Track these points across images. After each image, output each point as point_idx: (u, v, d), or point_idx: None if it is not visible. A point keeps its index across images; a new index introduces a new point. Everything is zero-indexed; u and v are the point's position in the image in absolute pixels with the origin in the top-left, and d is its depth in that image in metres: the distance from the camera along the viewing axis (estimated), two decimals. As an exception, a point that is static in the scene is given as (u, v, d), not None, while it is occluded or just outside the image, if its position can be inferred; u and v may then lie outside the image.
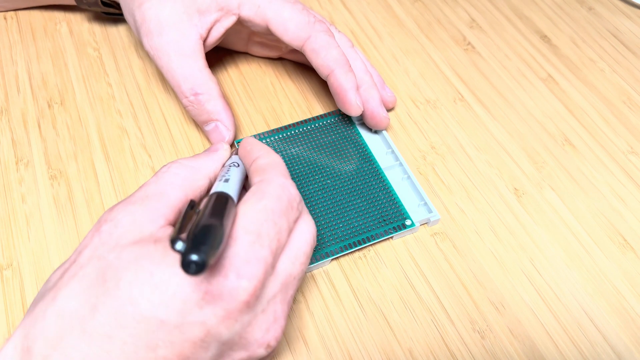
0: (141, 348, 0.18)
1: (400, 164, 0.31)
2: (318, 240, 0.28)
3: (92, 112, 0.34)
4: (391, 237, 0.29)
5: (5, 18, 0.39)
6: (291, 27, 0.29)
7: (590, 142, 0.33)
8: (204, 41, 0.30)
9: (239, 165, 0.25)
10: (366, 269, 0.28)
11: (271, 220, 0.20)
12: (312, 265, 0.27)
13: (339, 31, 0.33)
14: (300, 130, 0.32)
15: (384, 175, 0.30)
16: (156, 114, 0.34)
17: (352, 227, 0.28)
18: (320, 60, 0.29)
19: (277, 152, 0.31)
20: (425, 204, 0.29)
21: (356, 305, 0.27)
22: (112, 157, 0.32)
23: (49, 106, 0.34)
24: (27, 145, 0.32)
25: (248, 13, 0.29)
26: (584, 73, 0.37)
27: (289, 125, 0.32)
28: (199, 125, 0.31)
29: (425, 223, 0.29)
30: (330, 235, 0.28)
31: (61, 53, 0.37)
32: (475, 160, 0.32)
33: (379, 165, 0.31)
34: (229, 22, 0.30)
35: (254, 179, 0.23)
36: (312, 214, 0.28)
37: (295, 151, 0.31)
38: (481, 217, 0.30)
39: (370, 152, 0.31)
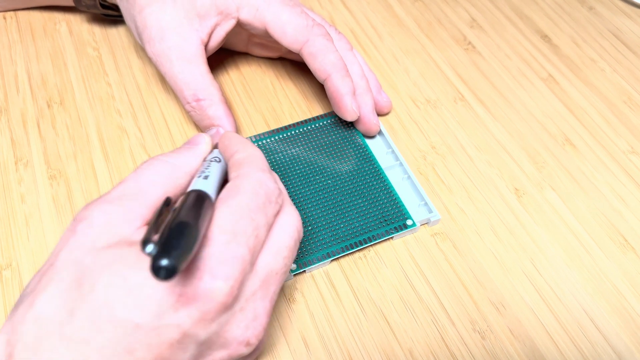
0: (119, 352, 0.18)
1: (401, 164, 0.31)
2: (318, 240, 0.28)
3: (92, 112, 0.34)
4: (391, 238, 0.29)
5: (4, 18, 0.39)
6: (289, 31, 0.29)
7: (590, 142, 0.33)
8: (206, 45, 0.30)
9: (220, 161, 0.24)
10: (366, 269, 0.28)
11: (247, 217, 0.20)
12: (312, 266, 0.27)
13: (339, 33, 0.32)
14: (300, 130, 0.32)
15: (385, 175, 0.30)
16: (156, 114, 0.34)
17: (353, 228, 0.28)
18: (318, 64, 0.29)
19: (277, 153, 0.31)
20: (426, 204, 0.29)
21: (356, 305, 0.27)
22: (111, 157, 0.32)
23: (49, 106, 0.34)
24: (27, 145, 0.32)
25: (247, 16, 0.29)
26: (585, 73, 0.37)
27: (289, 126, 0.32)
28: (201, 129, 0.31)
29: (426, 223, 0.29)
30: (330, 236, 0.28)
31: (61, 53, 0.37)
32: (475, 160, 0.32)
33: (379, 165, 0.31)
34: (228, 25, 0.30)
35: (231, 174, 0.23)
36: (312, 215, 0.28)
37: (295, 151, 0.31)
38: (481, 217, 0.30)
39: (371, 152, 0.31)
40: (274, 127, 0.33)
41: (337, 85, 0.29)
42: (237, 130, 0.33)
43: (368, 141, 0.32)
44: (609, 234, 0.29)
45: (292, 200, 0.29)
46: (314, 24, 0.29)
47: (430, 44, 0.38)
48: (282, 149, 0.31)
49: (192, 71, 0.29)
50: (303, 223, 0.28)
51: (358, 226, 0.28)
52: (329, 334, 0.26)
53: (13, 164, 0.31)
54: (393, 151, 0.31)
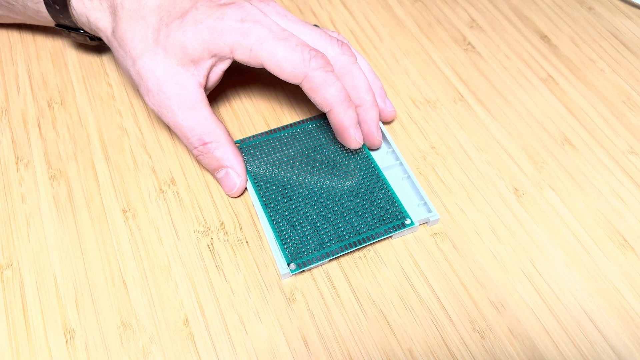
0: None
1: (401, 164, 0.31)
2: (317, 240, 0.28)
3: (92, 112, 0.34)
4: (390, 237, 0.29)
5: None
6: (287, 68, 0.28)
7: (590, 142, 0.33)
8: (205, 86, 0.30)
9: None
10: (366, 269, 0.28)
11: None
12: (311, 266, 0.27)
13: (341, 45, 0.30)
14: (299, 130, 0.32)
15: (382, 175, 0.30)
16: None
17: (352, 227, 0.28)
18: (319, 98, 0.28)
19: (276, 152, 0.31)
20: (425, 203, 0.29)
21: (356, 305, 0.27)
22: (112, 157, 0.32)
23: (49, 106, 0.34)
24: (27, 145, 0.32)
25: (241, 57, 0.28)
26: (584, 73, 0.37)
27: (288, 125, 0.33)
28: (209, 172, 0.31)
29: (425, 223, 0.29)
30: (329, 235, 0.28)
31: (61, 53, 0.37)
32: (475, 160, 0.32)
33: (377, 165, 0.31)
34: (224, 65, 0.30)
35: None
36: (311, 214, 0.29)
37: (293, 151, 0.31)
38: (481, 217, 0.30)
39: (369, 152, 0.31)
40: (274, 127, 0.33)
41: (340, 118, 0.29)
42: (238, 128, 0.33)
43: None
44: (609, 234, 0.29)
45: (292, 199, 0.29)
46: (310, 57, 0.28)
47: (430, 45, 0.38)
48: (281, 149, 0.31)
49: (195, 117, 0.29)
50: (302, 222, 0.28)
51: (356, 225, 0.28)
52: (329, 333, 0.26)
53: (14, 164, 0.31)
54: (393, 151, 0.31)
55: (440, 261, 0.28)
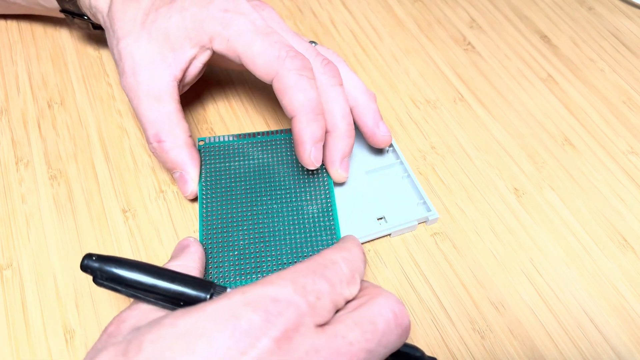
0: None
1: (401, 162, 0.31)
2: (242, 266, 0.27)
3: (92, 112, 0.34)
4: (389, 235, 0.29)
5: (5, 18, 0.39)
6: (260, 63, 0.26)
7: (590, 142, 0.33)
8: (181, 80, 0.29)
9: None
10: (366, 269, 0.28)
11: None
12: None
13: (326, 64, 0.28)
14: (268, 140, 0.31)
15: (333, 200, 0.29)
16: (156, 114, 0.34)
17: (283, 253, 0.27)
18: (285, 102, 0.26)
19: (235, 161, 0.30)
20: (424, 202, 0.29)
21: (356, 305, 0.27)
22: (112, 157, 0.32)
23: (49, 106, 0.34)
24: (27, 146, 0.32)
25: (219, 47, 0.27)
26: (584, 73, 0.37)
27: (260, 133, 0.31)
28: (166, 171, 0.30)
29: (424, 222, 0.29)
30: (256, 263, 0.27)
31: (61, 53, 0.37)
32: (475, 160, 0.32)
33: (332, 188, 0.29)
34: (204, 57, 0.29)
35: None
36: (245, 240, 0.27)
37: (252, 163, 0.30)
38: (481, 217, 0.30)
39: (330, 182, 0.29)
40: (274, 127, 0.33)
41: (300, 129, 0.26)
42: (238, 128, 0.33)
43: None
44: (609, 233, 0.29)
45: (231, 215, 0.28)
46: (287, 56, 0.26)
47: (429, 44, 0.38)
48: (241, 157, 0.30)
49: (158, 110, 0.28)
50: (232, 245, 0.27)
51: (289, 250, 0.27)
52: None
53: (14, 164, 0.31)
54: (394, 150, 0.31)
55: (440, 261, 0.28)
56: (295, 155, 0.29)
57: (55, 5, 0.33)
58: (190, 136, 0.29)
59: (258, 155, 0.30)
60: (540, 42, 0.39)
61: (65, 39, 0.38)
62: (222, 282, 0.26)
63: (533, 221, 0.30)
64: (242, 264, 0.27)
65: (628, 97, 0.35)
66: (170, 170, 0.29)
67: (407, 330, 0.20)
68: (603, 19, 0.40)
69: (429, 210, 0.29)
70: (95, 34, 0.37)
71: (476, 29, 0.39)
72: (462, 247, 0.29)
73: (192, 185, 0.29)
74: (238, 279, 0.26)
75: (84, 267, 0.20)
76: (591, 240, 0.29)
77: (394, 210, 0.29)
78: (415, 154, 0.32)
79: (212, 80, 0.35)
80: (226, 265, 0.26)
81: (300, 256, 0.27)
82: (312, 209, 0.28)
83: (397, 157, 0.31)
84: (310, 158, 0.27)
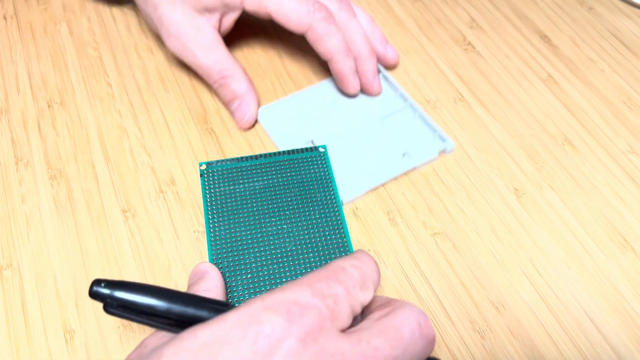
0: None
1: (410, 105, 0.34)
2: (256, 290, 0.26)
3: (92, 112, 0.34)
4: (415, 168, 0.30)
5: (5, 18, 0.39)
6: (293, 18, 0.31)
7: (590, 142, 0.33)
8: (219, 30, 0.33)
9: None
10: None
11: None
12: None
13: (340, 1, 0.33)
14: (269, 162, 0.31)
15: (345, 226, 0.29)
16: (156, 114, 0.34)
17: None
18: (321, 48, 0.32)
19: (242, 183, 0.30)
20: (439, 135, 0.32)
21: (356, 305, 0.27)
22: (112, 157, 0.32)
23: (49, 106, 0.34)
24: (27, 145, 0.32)
25: (251, 7, 0.32)
26: (584, 73, 0.37)
27: (260, 156, 0.31)
28: (225, 105, 0.33)
29: (443, 152, 0.32)
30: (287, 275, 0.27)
31: (61, 53, 0.37)
32: (475, 160, 0.32)
33: (342, 214, 0.29)
34: (235, 14, 0.33)
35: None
36: (255, 262, 0.27)
37: (258, 185, 0.30)
38: (481, 217, 0.30)
39: (339, 199, 0.29)
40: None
41: (340, 66, 0.32)
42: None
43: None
44: (609, 233, 0.29)
45: (240, 238, 0.28)
46: (315, 9, 0.31)
47: (430, 44, 0.38)
48: (245, 179, 0.30)
49: (214, 55, 0.32)
50: (243, 268, 0.27)
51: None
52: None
53: (14, 164, 0.31)
54: (400, 94, 0.34)
55: (440, 261, 0.28)
56: (298, 175, 0.30)
57: None
58: (245, 72, 0.33)
59: (262, 177, 0.30)
60: (540, 42, 0.39)
61: (65, 39, 0.38)
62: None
63: (533, 221, 0.30)
64: (255, 287, 0.26)
65: (628, 97, 0.35)
66: (230, 101, 0.33)
67: (432, 342, 0.20)
68: (603, 19, 0.40)
69: (444, 140, 0.32)
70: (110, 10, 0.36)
71: (476, 29, 0.39)
72: (462, 247, 0.29)
73: (249, 111, 0.32)
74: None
75: (93, 295, 0.19)
76: (591, 240, 0.29)
77: (415, 147, 0.32)
78: (415, 154, 0.32)
79: (212, 80, 0.36)
80: (240, 289, 0.26)
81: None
82: (323, 227, 0.28)
83: (405, 100, 0.34)
84: (354, 86, 0.33)
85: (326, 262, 0.27)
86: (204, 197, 0.29)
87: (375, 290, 0.20)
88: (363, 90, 0.34)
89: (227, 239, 0.28)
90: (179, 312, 0.19)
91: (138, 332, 0.26)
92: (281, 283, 0.26)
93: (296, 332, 0.17)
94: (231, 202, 0.29)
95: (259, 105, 0.33)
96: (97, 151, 0.32)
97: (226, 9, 0.32)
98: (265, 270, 0.27)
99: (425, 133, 0.33)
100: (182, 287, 0.27)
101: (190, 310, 0.19)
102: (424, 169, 0.32)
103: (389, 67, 0.36)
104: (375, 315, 0.19)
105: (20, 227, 0.29)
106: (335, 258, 0.26)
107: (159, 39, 0.38)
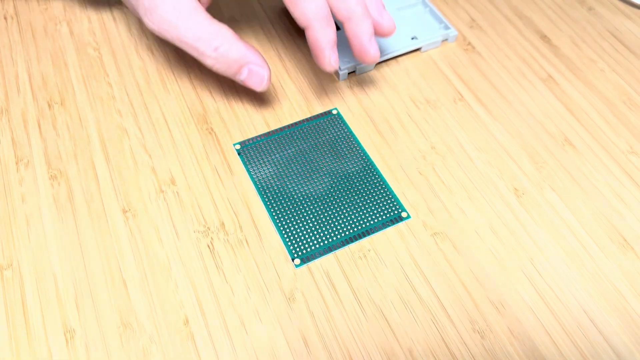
0: None
1: (422, 1, 0.39)
2: (319, 236, 0.29)
3: (92, 112, 0.34)
4: (388, 232, 0.29)
5: (5, 18, 0.39)
6: None
7: (590, 142, 0.33)
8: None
9: None
10: (366, 269, 0.28)
11: None
12: (315, 260, 0.28)
13: None
14: (298, 130, 0.33)
15: (379, 172, 0.31)
16: (156, 114, 0.34)
17: (351, 222, 0.29)
18: (298, 12, 0.28)
19: (276, 153, 0.32)
20: (445, 25, 0.37)
21: (356, 305, 0.27)
22: (112, 157, 0.32)
23: (49, 106, 0.34)
24: (27, 145, 0.32)
25: None
26: (584, 73, 0.37)
27: (288, 126, 0.33)
28: (232, 78, 0.30)
29: (446, 40, 0.37)
30: (331, 231, 0.29)
31: (61, 53, 0.37)
32: (475, 160, 0.32)
33: (373, 163, 0.32)
34: None
35: None
36: (313, 211, 0.29)
37: (293, 151, 0.32)
38: (481, 217, 0.30)
39: (364, 149, 0.32)
40: (274, 127, 0.33)
41: (317, 37, 0.28)
42: (239, 128, 0.33)
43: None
44: (609, 234, 0.29)
45: (293, 197, 0.30)
46: None
47: (430, 45, 0.38)
48: (280, 149, 0.32)
49: (198, 25, 0.28)
50: (304, 219, 0.29)
51: (356, 220, 0.29)
52: (329, 334, 0.26)
53: (14, 164, 0.31)
54: None
55: (440, 261, 0.28)
56: (322, 137, 0.32)
57: None
58: (235, 33, 0.30)
59: (291, 145, 0.32)
60: (540, 42, 0.39)
61: (65, 39, 0.38)
62: (306, 251, 0.28)
63: (533, 221, 0.30)
64: (318, 232, 0.29)
65: (628, 97, 0.35)
66: (236, 73, 0.29)
67: None
68: (603, 19, 0.40)
69: (448, 28, 0.37)
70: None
71: (476, 29, 0.39)
72: (462, 247, 0.29)
73: (264, 71, 0.29)
74: (320, 245, 0.28)
75: None
76: (591, 241, 0.29)
77: (423, 32, 0.37)
78: (416, 154, 0.32)
79: (212, 80, 0.36)
80: (306, 238, 0.29)
81: (365, 214, 0.29)
82: (356, 173, 0.31)
83: None
84: (331, 62, 0.29)
85: (365, 201, 0.30)
86: (247, 170, 0.31)
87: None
88: (356, 56, 0.31)
89: (279, 199, 0.30)
90: None
91: (138, 332, 0.26)
92: (332, 227, 0.29)
93: None
94: (272, 169, 0.31)
95: (267, 64, 0.30)
96: (97, 151, 0.32)
97: None
98: (316, 216, 0.29)
99: (433, 24, 0.38)
100: (182, 287, 0.27)
101: None
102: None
103: (383, 36, 0.32)
104: None
105: (21, 227, 0.29)
106: (371, 197, 0.30)
107: (159, 39, 0.38)
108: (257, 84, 0.29)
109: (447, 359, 0.25)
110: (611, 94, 0.36)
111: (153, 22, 0.29)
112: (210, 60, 0.29)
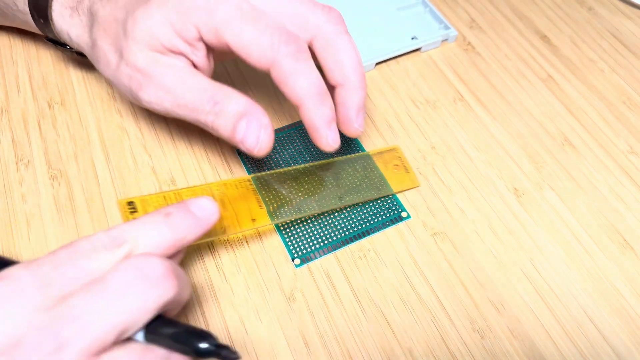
0: None
1: (422, 1, 0.39)
2: (319, 236, 0.28)
3: (92, 112, 0.34)
4: (388, 233, 0.29)
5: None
6: (253, 53, 0.25)
7: (590, 142, 0.33)
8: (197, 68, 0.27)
9: None
10: (366, 269, 0.28)
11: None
12: (314, 260, 0.28)
13: (328, 11, 0.26)
14: (299, 130, 0.33)
15: (379, 172, 0.31)
16: (156, 113, 0.34)
17: (352, 222, 0.29)
18: (288, 90, 0.25)
19: (276, 153, 0.32)
20: (445, 26, 0.38)
21: (356, 305, 0.27)
22: (112, 157, 0.32)
23: (49, 106, 0.34)
24: (28, 145, 0.32)
25: (208, 38, 0.25)
26: (584, 73, 0.37)
27: (289, 126, 0.33)
28: (231, 142, 0.26)
29: (446, 40, 0.38)
30: (330, 231, 0.29)
31: (61, 53, 0.37)
32: (475, 160, 0.32)
33: (373, 162, 0.31)
34: (201, 53, 0.26)
35: None
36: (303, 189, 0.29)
37: (293, 151, 0.32)
38: (481, 217, 0.30)
39: (364, 149, 0.32)
40: (274, 127, 0.33)
41: (310, 116, 0.25)
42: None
43: None
44: (609, 234, 0.29)
45: (297, 195, 0.29)
46: (280, 42, 0.24)
47: (430, 45, 0.38)
48: (280, 149, 0.32)
49: (197, 84, 0.26)
50: (304, 219, 0.29)
51: (356, 221, 0.29)
52: (329, 333, 0.26)
53: (14, 164, 0.31)
54: None
55: (440, 261, 0.28)
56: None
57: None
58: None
59: (293, 145, 0.32)
60: (540, 42, 0.39)
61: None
62: (306, 251, 0.28)
63: (533, 221, 0.30)
64: (318, 232, 0.29)
65: (628, 97, 0.36)
66: (234, 129, 0.25)
67: (159, 281, 0.19)
68: (603, 19, 0.40)
69: (447, 28, 0.37)
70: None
71: (476, 29, 0.39)
72: (462, 247, 0.29)
73: (264, 119, 0.25)
74: (320, 245, 0.28)
75: None
76: (591, 240, 0.29)
77: (423, 32, 0.38)
78: (415, 154, 0.32)
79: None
80: (307, 238, 0.29)
81: (365, 214, 0.29)
82: (357, 169, 0.31)
83: None
84: (329, 142, 0.26)
85: (365, 201, 0.30)
86: (247, 170, 0.31)
87: (169, 241, 0.21)
88: (339, 127, 0.27)
89: (282, 203, 0.29)
90: None
91: (138, 332, 0.26)
92: (332, 227, 0.29)
93: None
94: (272, 169, 0.31)
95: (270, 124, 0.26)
96: (97, 151, 0.32)
97: (188, 46, 0.26)
98: (316, 216, 0.29)
99: (433, 24, 0.38)
100: (182, 287, 0.27)
101: None
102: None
103: (346, 135, 0.28)
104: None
105: (21, 227, 0.29)
106: (370, 191, 0.30)
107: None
108: (253, 142, 0.25)
109: (447, 359, 0.25)
110: (611, 94, 0.36)
111: (149, 94, 0.26)
112: (210, 117, 0.26)
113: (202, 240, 0.26)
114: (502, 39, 0.39)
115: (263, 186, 0.29)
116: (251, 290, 0.27)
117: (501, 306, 0.27)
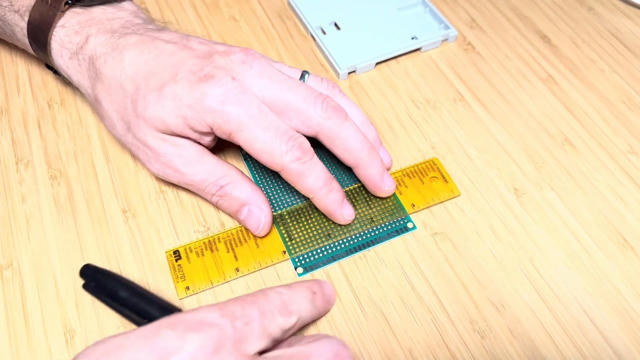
0: None
1: (422, 2, 0.39)
2: (323, 246, 0.28)
3: (92, 112, 0.34)
4: (419, 49, 0.33)
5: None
6: (264, 159, 0.27)
7: (590, 142, 0.33)
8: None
9: None
10: (366, 269, 0.28)
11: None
12: (319, 269, 0.28)
13: (325, 103, 0.28)
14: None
15: None
16: (156, 114, 0.34)
17: (357, 232, 0.29)
18: (299, 187, 0.28)
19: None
20: (445, 26, 0.38)
21: (356, 305, 0.27)
22: (112, 157, 0.32)
23: (49, 106, 0.34)
24: (27, 145, 0.32)
25: (221, 136, 0.27)
26: (584, 73, 0.37)
27: None
28: (233, 218, 0.29)
29: (446, 40, 0.38)
30: (335, 241, 0.29)
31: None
32: (475, 160, 0.32)
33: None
34: (209, 138, 0.28)
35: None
36: (317, 220, 0.29)
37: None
38: (481, 217, 0.30)
39: None
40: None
41: (324, 204, 0.28)
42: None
43: None
44: (609, 233, 0.29)
45: (295, 199, 0.30)
46: (287, 150, 0.26)
47: (430, 45, 0.38)
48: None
49: (204, 168, 0.28)
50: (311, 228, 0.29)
51: (362, 232, 0.29)
52: (328, 333, 0.26)
53: (14, 164, 0.31)
54: None
55: (440, 261, 0.28)
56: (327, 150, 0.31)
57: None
58: (244, 175, 0.29)
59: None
60: (540, 42, 0.39)
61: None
62: (309, 260, 0.28)
63: (533, 221, 0.30)
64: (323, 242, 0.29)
65: (628, 97, 0.36)
66: (237, 212, 0.28)
67: None
68: (603, 19, 0.40)
69: (448, 28, 0.38)
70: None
71: (476, 29, 0.39)
72: (462, 247, 0.29)
73: (263, 216, 0.28)
74: (323, 254, 0.28)
75: (81, 274, 0.26)
76: (591, 240, 0.29)
77: (423, 32, 0.38)
78: (415, 154, 0.32)
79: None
80: (300, 236, 0.29)
81: (373, 235, 0.29)
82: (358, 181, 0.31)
83: None
84: (344, 217, 0.29)
85: (384, 224, 0.30)
86: (252, 173, 0.31)
87: (311, 318, 0.24)
88: (374, 194, 0.30)
89: (282, 200, 0.30)
90: (133, 304, 0.24)
91: (138, 332, 0.26)
92: (341, 245, 0.29)
93: (188, 348, 0.19)
94: (274, 172, 0.29)
95: (269, 208, 0.28)
96: (97, 151, 0.32)
97: (198, 135, 0.28)
98: (328, 234, 0.29)
99: (433, 24, 0.39)
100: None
101: (142, 305, 0.24)
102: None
103: (387, 196, 0.30)
104: (295, 345, 0.21)
105: (21, 227, 0.29)
106: (381, 205, 0.30)
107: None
108: (254, 227, 0.28)
109: (447, 359, 0.25)
110: (611, 94, 0.36)
111: (157, 168, 0.28)
112: (215, 198, 0.28)
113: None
114: (502, 39, 0.39)
115: (284, 222, 0.29)
116: (251, 289, 0.27)
117: (501, 306, 0.27)
